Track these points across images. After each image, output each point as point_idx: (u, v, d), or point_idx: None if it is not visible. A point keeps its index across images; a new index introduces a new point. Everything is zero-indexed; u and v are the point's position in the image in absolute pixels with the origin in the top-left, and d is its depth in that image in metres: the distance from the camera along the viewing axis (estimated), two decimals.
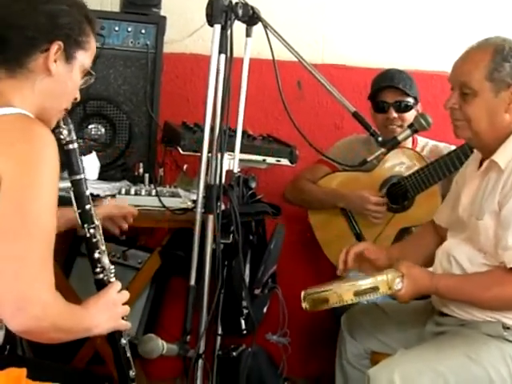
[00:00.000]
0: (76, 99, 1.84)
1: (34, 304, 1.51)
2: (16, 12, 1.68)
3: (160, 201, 2.65)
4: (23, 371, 1.68)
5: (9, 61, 1.69)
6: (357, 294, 2.17)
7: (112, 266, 1.91)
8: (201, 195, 2.39)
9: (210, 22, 2.36)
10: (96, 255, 1.88)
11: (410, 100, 3.17)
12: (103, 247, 1.90)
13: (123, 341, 1.92)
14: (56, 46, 1.70)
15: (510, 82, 2.22)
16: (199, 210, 2.39)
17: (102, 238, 1.91)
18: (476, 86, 2.23)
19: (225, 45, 2.35)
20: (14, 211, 1.52)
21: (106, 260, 1.90)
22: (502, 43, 2.25)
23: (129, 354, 1.94)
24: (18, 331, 1.58)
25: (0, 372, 1.66)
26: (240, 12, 2.38)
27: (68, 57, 1.74)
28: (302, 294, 2.24)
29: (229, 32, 2.35)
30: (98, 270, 1.88)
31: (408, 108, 3.15)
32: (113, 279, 1.89)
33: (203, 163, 2.39)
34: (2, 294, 1.51)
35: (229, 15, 2.34)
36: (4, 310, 1.53)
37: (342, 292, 2.17)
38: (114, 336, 1.91)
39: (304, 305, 2.23)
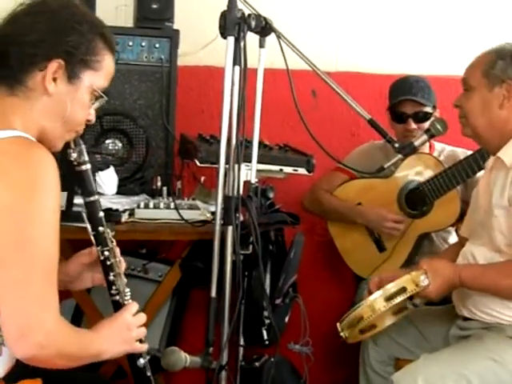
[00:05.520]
0: (89, 121, 1.76)
1: (36, 331, 1.49)
2: (20, 28, 1.64)
3: (179, 213, 2.65)
4: (38, 382, 1.70)
5: (8, 77, 1.63)
6: (387, 298, 2.16)
7: (128, 289, 1.87)
8: (219, 207, 2.39)
9: (223, 34, 2.37)
10: (111, 278, 1.85)
11: (429, 109, 3.15)
12: (118, 270, 1.86)
13: (141, 361, 1.87)
14: (55, 64, 1.62)
15: (503, 78, 2.27)
16: (218, 221, 2.39)
17: (118, 260, 1.87)
18: (474, 83, 2.32)
19: (238, 56, 2.36)
20: (13, 238, 1.49)
21: (121, 282, 1.86)
22: (506, 45, 2.32)
23: (149, 373, 1.91)
24: (21, 358, 1.56)
25: None
26: (253, 23, 2.38)
27: (71, 76, 1.65)
28: (338, 325, 2.24)
29: (242, 44, 2.36)
30: (113, 291, 1.86)
31: (427, 117, 3.13)
32: (128, 301, 1.85)
33: (221, 175, 2.39)
34: (6, 321, 1.50)
35: (242, 27, 2.35)
36: (8, 337, 1.52)
37: (373, 302, 2.16)
38: (132, 356, 1.88)
39: (343, 334, 2.23)
